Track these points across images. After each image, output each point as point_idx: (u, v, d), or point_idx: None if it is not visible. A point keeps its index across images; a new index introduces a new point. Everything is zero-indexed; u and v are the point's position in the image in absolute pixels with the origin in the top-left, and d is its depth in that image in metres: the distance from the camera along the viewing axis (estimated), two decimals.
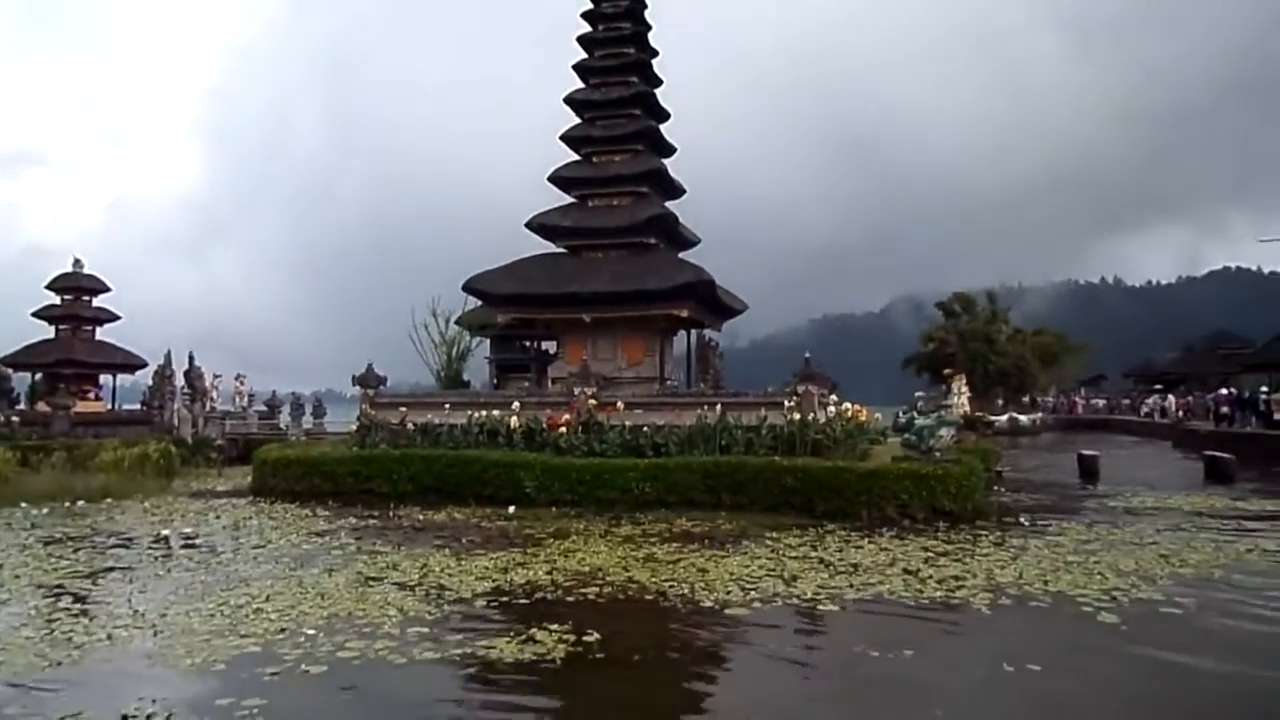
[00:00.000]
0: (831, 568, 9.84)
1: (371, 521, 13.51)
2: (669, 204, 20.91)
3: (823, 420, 16.40)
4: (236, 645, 7.40)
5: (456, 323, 24.88)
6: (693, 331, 23.00)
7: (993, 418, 35.90)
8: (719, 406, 16.19)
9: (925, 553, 10.67)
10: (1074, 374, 53.57)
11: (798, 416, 15.55)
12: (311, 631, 7.63)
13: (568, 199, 20.97)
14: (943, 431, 14.50)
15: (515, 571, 9.65)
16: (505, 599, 8.62)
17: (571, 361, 20.15)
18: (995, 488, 16.60)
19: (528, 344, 31.06)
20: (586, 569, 9.80)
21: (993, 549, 10.88)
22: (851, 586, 8.97)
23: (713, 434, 15.78)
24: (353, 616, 7.96)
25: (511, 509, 14.57)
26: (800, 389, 16.23)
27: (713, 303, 20.16)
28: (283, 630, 7.67)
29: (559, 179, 20.86)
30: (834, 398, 16.77)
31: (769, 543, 11.40)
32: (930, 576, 9.34)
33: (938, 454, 14.27)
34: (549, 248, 20.74)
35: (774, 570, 9.73)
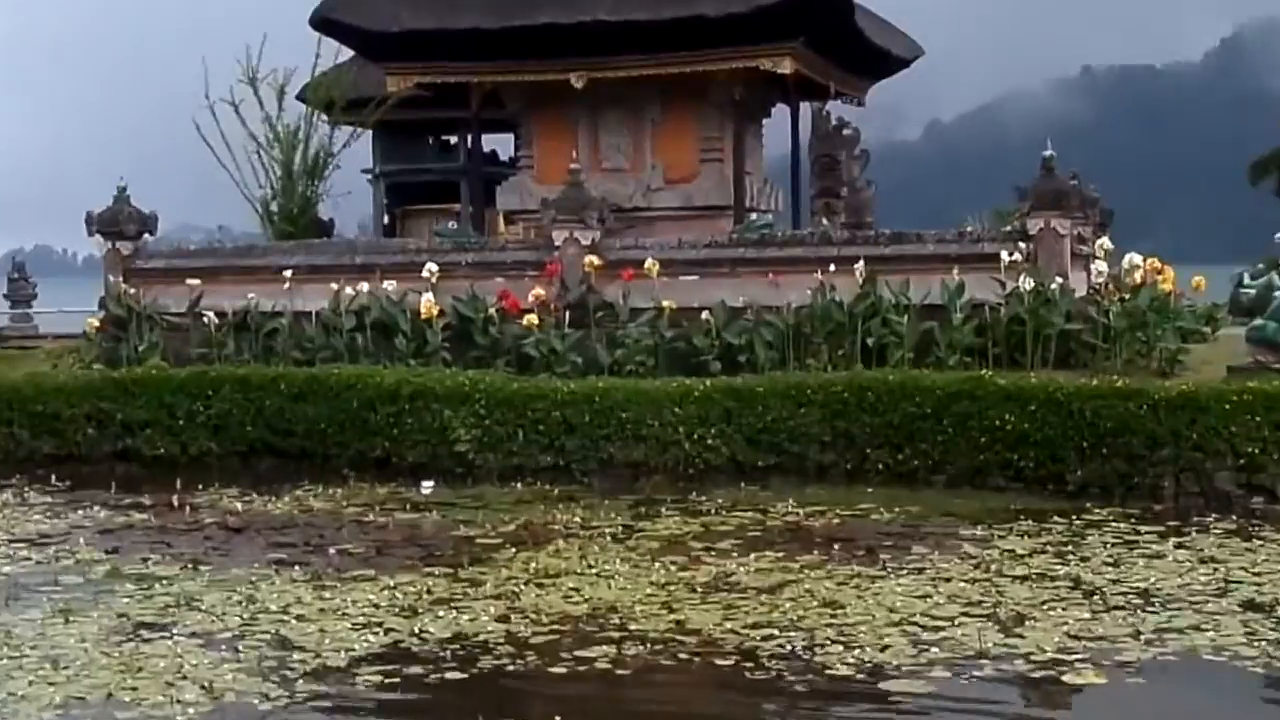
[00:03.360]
0: (1097, 597, 9.89)
1: (139, 515, 13.77)
2: None
3: (1082, 291, 16.26)
4: None
5: (302, 98, 24.67)
6: (802, 107, 22.71)
7: None
8: (860, 265, 16.24)
9: None
10: None
11: (1029, 284, 15.51)
12: None
13: None
14: None
15: (434, 614, 9.70)
16: (413, 672, 8.66)
17: (546, 177, 20.15)
18: None
19: (451, 141, 31.02)
20: (584, 608, 9.86)
21: None
22: (1138, 636, 8.94)
23: (848, 323, 15.93)
24: (112, 706, 8.06)
25: (428, 486, 14.87)
26: (1033, 225, 16.16)
27: (846, 41, 20.05)
28: None
29: None
30: (1105, 243, 16.54)
31: (968, 547, 11.50)
32: None
33: None
34: None
35: (978, 602, 9.78)
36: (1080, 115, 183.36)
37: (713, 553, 11.52)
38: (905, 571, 10.75)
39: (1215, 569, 10.67)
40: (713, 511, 13.35)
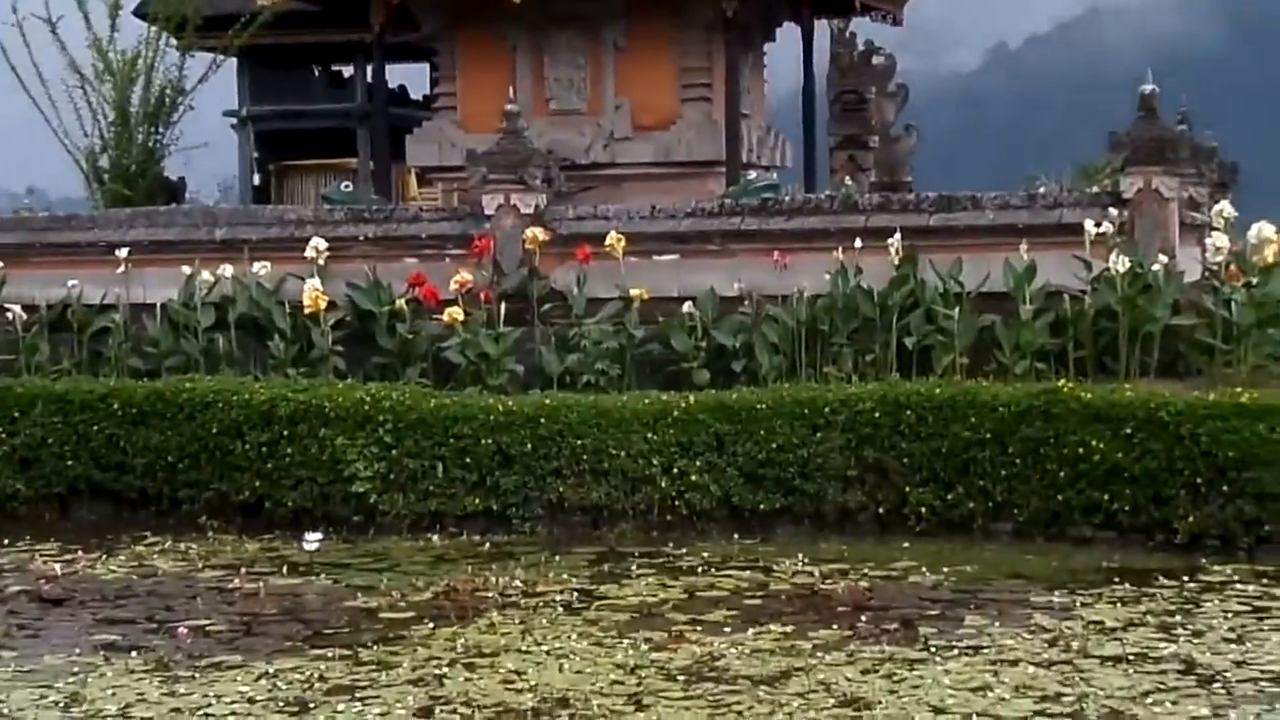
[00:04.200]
0: (1218, 685, 9.87)
1: None
2: None
3: (1195, 275, 16.39)
4: None
5: (143, 14, 24.62)
6: (818, 26, 22.74)
7: None
8: (896, 239, 16.29)
9: None
10: None
11: (1124, 265, 15.58)
12: None
13: None
14: None
15: (330, 709, 9.68)
16: None
17: (473, 123, 20.39)
18: None
19: (344, 74, 30.89)
20: (529, 699, 9.86)
21: None
22: None
23: (880, 318, 16.03)
24: None
25: (314, 540, 14.94)
26: (1129, 185, 16.26)
27: None
28: None
29: None
30: (1226, 209, 16.60)
31: (1042, 619, 11.50)
32: None
33: None
34: None
35: (1056, 695, 9.74)
36: (1201, 38, 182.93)
37: (697, 627, 11.43)
38: (956, 653, 10.65)
39: None
40: (698, 571, 13.32)
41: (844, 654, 10.71)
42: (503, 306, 16.72)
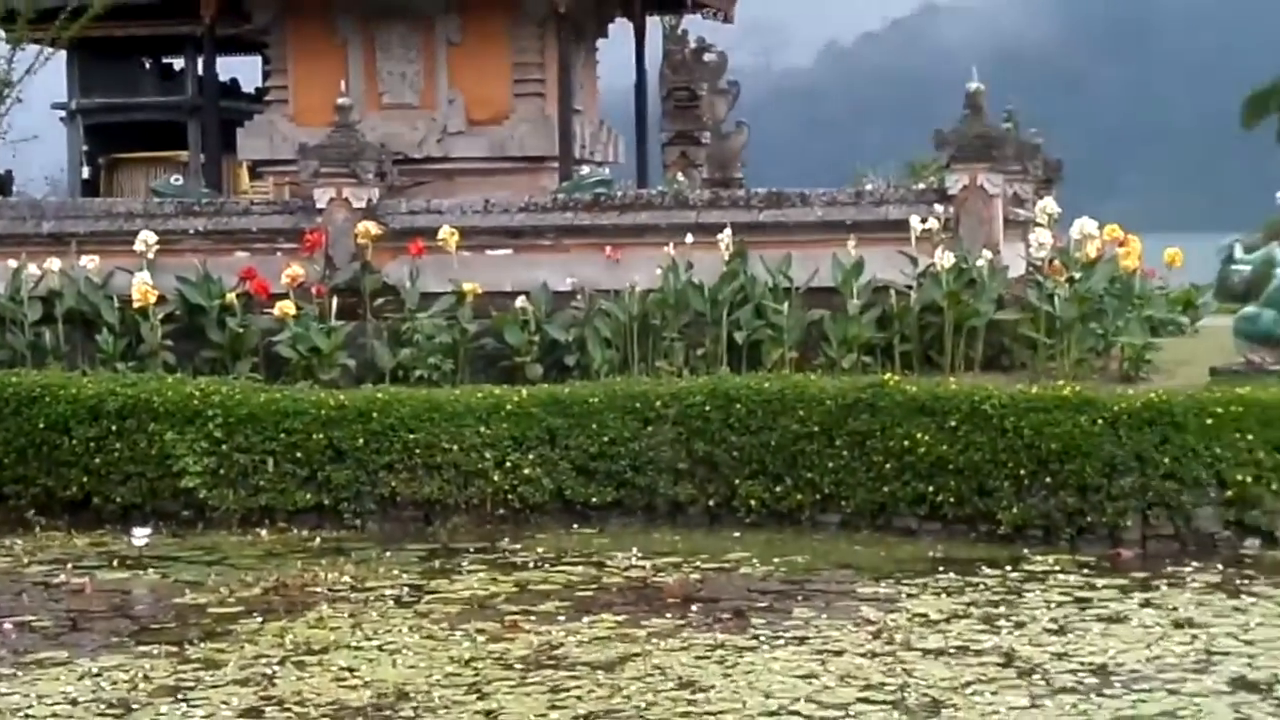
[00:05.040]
0: (1038, 676, 10.01)
1: None
2: None
3: (1019, 270, 16.58)
4: None
5: None
6: (650, 23, 22.78)
7: None
8: (727, 234, 16.37)
9: None
10: None
11: (949, 260, 15.76)
12: None
13: None
14: None
15: (155, 709, 9.57)
16: None
17: (305, 116, 20.22)
18: None
19: (175, 67, 30.51)
20: (364, 695, 9.82)
21: None
22: None
23: (711, 312, 16.10)
24: None
25: (143, 535, 14.78)
26: (954, 181, 16.46)
27: None
28: None
29: None
30: (1050, 205, 16.86)
31: (868, 610, 11.63)
32: None
33: None
34: None
35: (880, 684, 9.85)
36: (1037, 35, 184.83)
37: (532, 618, 11.46)
38: (784, 642, 10.74)
39: (1194, 636, 10.77)
40: (532, 565, 13.37)
41: (678, 642, 10.80)
42: (334, 301, 16.65)
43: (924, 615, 11.48)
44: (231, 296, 16.73)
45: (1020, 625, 11.19)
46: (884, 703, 9.45)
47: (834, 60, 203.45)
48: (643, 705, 9.41)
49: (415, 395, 15.24)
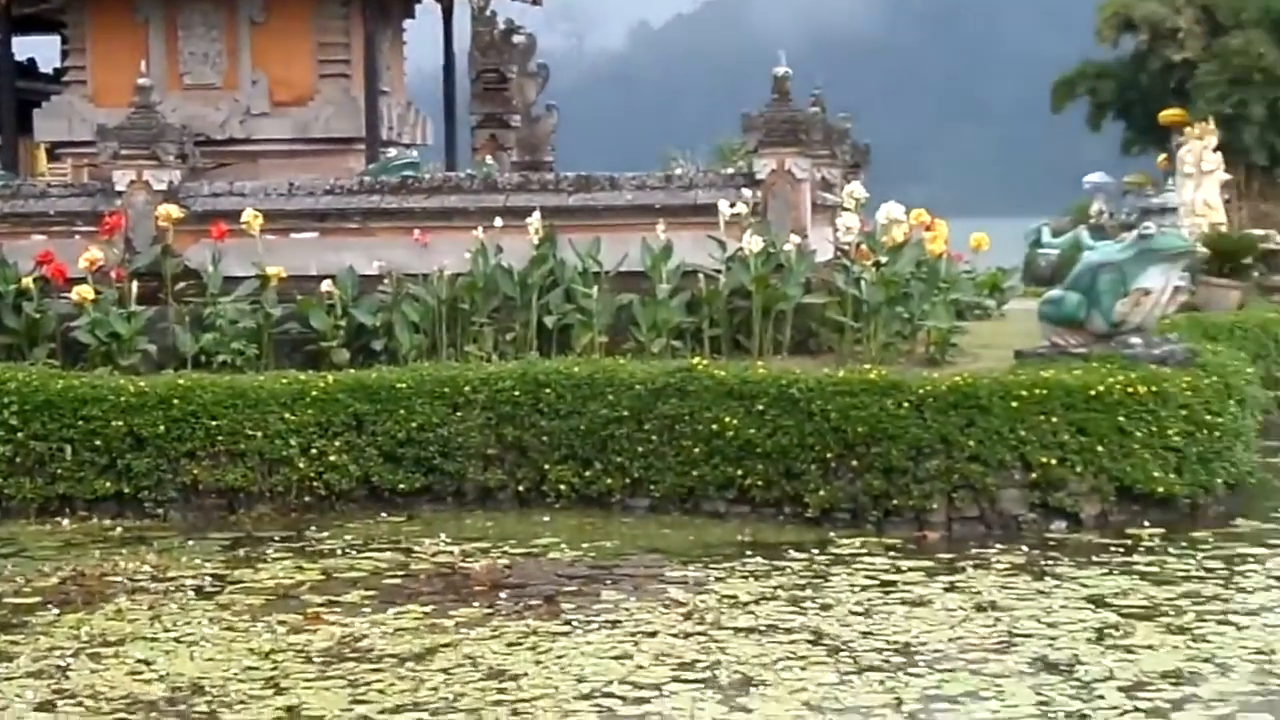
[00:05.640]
0: (845, 655, 10.16)
1: None
2: None
3: (827, 254, 16.77)
4: None
5: None
6: (457, 4, 22.71)
7: None
8: (536, 218, 16.38)
9: (1096, 610, 11.14)
10: None
11: (757, 245, 15.84)
12: None
13: None
14: (1150, 281, 14.97)
15: None
16: None
17: (104, 97, 20.00)
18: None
19: None
20: (159, 689, 9.72)
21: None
22: (898, 706, 9.20)
23: (520, 296, 16.14)
24: None
25: None
26: (762, 166, 16.57)
27: None
28: None
29: None
30: (857, 190, 17.01)
31: (678, 593, 11.70)
32: (1110, 673, 9.70)
33: (1135, 343, 14.80)
34: None
35: (692, 663, 9.94)
36: (855, 19, 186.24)
37: (336, 608, 11.39)
38: (596, 626, 10.80)
39: (998, 618, 10.93)
40: (337, 553, 13.25)
41: (488, 629, 10.82)
42: (135, 285, 16.41)
43: (733, 597, 11.57)
44: (28, 281, 16.47)
45: (827, 607, 11.30)
46: (697, 681, 9.54)
47: (646, 42, 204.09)
48: (450, 697, 9.42)
49: (218, 381, 15.05)
